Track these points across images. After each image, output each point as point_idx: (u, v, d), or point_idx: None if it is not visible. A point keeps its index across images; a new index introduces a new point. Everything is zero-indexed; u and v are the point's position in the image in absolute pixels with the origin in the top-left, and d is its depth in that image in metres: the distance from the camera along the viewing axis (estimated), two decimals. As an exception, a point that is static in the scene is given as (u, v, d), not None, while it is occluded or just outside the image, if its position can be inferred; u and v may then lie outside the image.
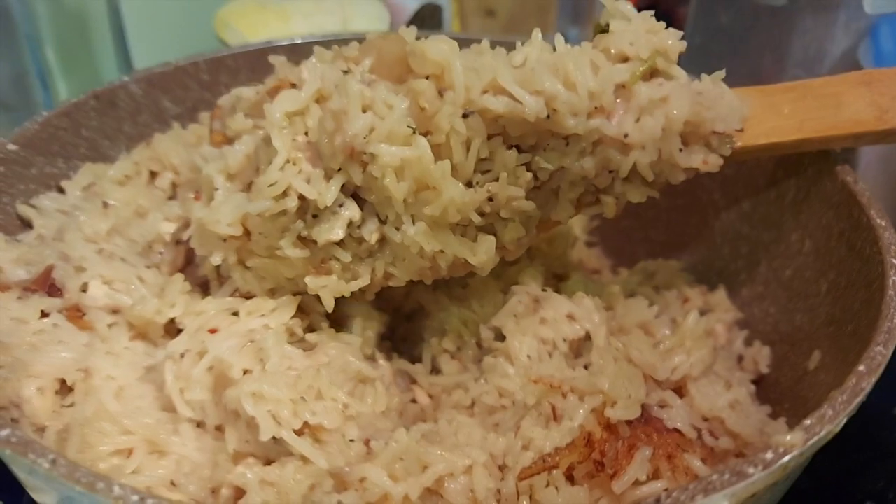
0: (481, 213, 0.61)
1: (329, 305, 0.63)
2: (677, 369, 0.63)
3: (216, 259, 0.64)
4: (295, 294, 0.67)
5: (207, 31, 1.25)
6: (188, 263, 0.75)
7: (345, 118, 0.57)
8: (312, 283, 0.62)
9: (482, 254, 0.61)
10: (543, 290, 0.71)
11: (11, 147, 0.78)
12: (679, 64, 0.66)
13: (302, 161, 0.58)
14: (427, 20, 1.43)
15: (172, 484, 0.60)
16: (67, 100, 0.85)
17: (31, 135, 0.80)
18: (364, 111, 0.57)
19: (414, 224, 0.60)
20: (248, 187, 0.62)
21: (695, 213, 0.89)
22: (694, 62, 0.70)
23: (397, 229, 0.60)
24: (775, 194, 0.78)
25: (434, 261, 0.62)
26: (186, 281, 0.71)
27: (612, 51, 0.61)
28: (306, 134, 0.59)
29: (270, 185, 0.58)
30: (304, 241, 0.61)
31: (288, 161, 0.58)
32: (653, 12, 0.65)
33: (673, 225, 0.93)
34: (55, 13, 1.14)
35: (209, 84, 0.94)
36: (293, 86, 0.63)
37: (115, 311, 0.70)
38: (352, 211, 0.60)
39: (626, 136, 0.60)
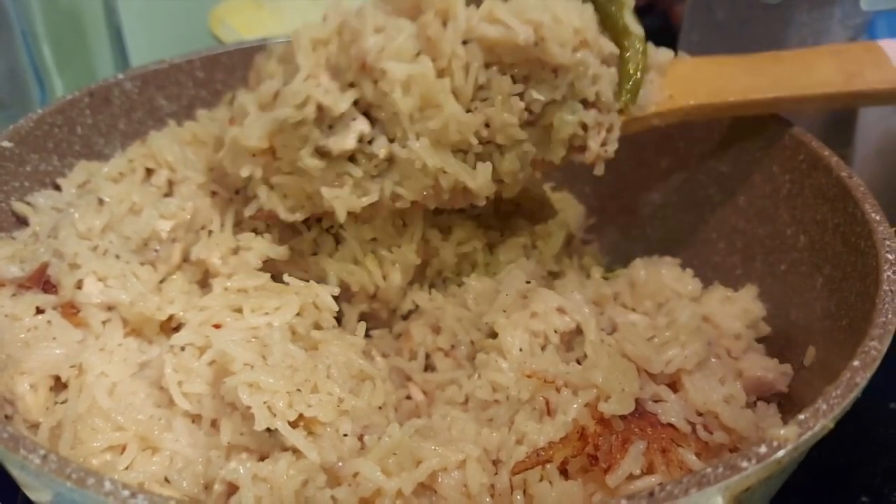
0: (479, 140, 0.67)
1: (342, 216, 0.69)
2: (671, 362, 0.63)
3: (245, 172, 0.69)
4: (312, 215, 0.72)
5: (203, 28, 1.24)
6: (184, 261, 0.75)
7: (360, 36, 0.63)
8: (328, 193, 0.68)
9: (480, 178, 0.68)
10: (527, 283, 0.72)
11: (6, 144, 0.78)
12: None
13: (321, 76, 0.65)
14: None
15: (166, 480, 0.61)
16: (62, 97, 0.85)
17: (26, 132, 0.80)
18: (377, 33, 0.64)
19: (418, 140, 0.65)
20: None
21: (690, 210, 0.89)
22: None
23: (403, 147, 0.66)
24: (770, 189, 0.78)
25: (436, 181, 0.68)
26: (184, 278, 0.72)
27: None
28: (327, 60, 0.66)
29: (293, 95, 0.64)
30: (321, 153, 0.67)
31: (309, 76, 0.65)
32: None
33: (669, 221, 0.92)
34: (51, 10, 1.14)
35: (204, 81, 0.93)
36: None
37: (109, 308, 0.70)
38: (362, 124, 0.66)
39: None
